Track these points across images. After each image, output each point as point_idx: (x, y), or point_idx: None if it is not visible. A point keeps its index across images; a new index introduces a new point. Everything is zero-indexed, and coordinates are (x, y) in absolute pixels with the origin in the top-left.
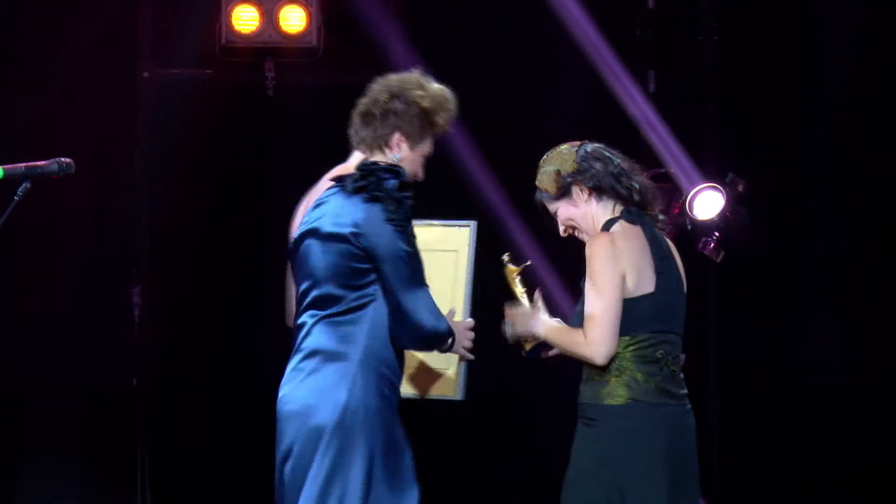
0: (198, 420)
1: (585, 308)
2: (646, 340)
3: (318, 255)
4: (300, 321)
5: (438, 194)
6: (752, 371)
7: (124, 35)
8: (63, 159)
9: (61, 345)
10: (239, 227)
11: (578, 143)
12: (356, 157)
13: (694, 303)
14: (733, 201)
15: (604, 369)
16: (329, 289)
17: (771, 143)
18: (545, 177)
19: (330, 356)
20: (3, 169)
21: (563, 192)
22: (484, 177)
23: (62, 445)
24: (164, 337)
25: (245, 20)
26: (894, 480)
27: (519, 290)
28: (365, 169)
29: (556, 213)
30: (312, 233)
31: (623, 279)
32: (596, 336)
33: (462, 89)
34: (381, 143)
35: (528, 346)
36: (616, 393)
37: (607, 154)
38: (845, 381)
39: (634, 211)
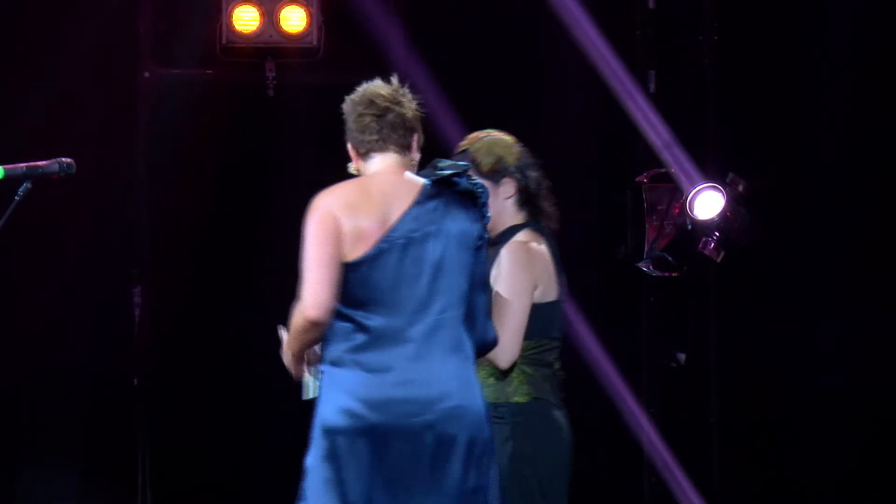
0: (198, 420)
1: (497, 311)
2: (545, 345)
3: (453, 256)
4: (428, 319)
5: None
6: (751, 371)
7: (125, 35)
8: (64, 159)
9: (61, 345)
10: (239, 227)
11: (513, 139)
12: (391, 159)
13: (694, 303)
14: (733, 201)
15: (502, 370)
16: (462, 288)
17: (771, 143)
18: (484, 153)
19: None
20: (4, 169)
21: (493, 177)
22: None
23: (62, 445)
24: (164, 337)
25: (245, 20)
26: (895, 481)
27: None
28: (461, 170)
29: None
30: (437, 233)
31: (534, 287)
32: (506, 342)
33: (462, 89)
34: (410, 146)
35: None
36: (521, 391)
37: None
38: (845, 381)
39: (537, 221)
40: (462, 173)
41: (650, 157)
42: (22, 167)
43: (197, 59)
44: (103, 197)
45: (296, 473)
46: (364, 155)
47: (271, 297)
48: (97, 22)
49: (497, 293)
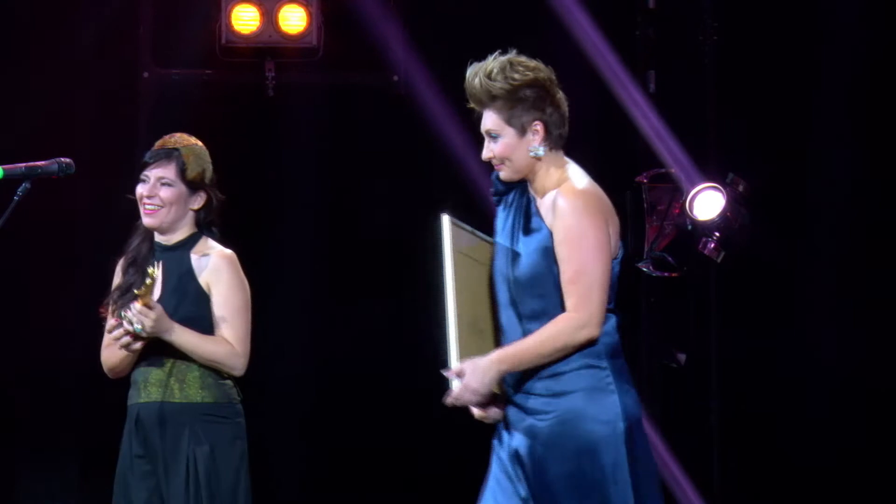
0: None
1: (229, 324)
2: None
3: None
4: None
5: (443, 195)
6: (752, 371)
7: (124, 35)
8: (63, 159)
9: (60, 342)
10: (238, 227)
11: None
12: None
13: (694, 303)
14: (734, 201)
15: (221, 373)
16: None
17: (772, 142)
18: (194, 160)
19: None
20: (3, 169)
21: (191, 186)
22: (485, 178)
23: (61, 444)
24: None
25: (245, 20)
26: None
27: (147, 295)
28: None
29: (162, 183)
30: None
31: None
32: (247, 349)
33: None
34: None
35: (129, 341)
36: (236, 392)
37: None
38: (847, 381)
39: None
40: None
41: (650, 157)
42: (21, 167)
43: (196, 60)
44: (103, 197)
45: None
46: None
47: (270, 296)
48: (96, 22)
49: None
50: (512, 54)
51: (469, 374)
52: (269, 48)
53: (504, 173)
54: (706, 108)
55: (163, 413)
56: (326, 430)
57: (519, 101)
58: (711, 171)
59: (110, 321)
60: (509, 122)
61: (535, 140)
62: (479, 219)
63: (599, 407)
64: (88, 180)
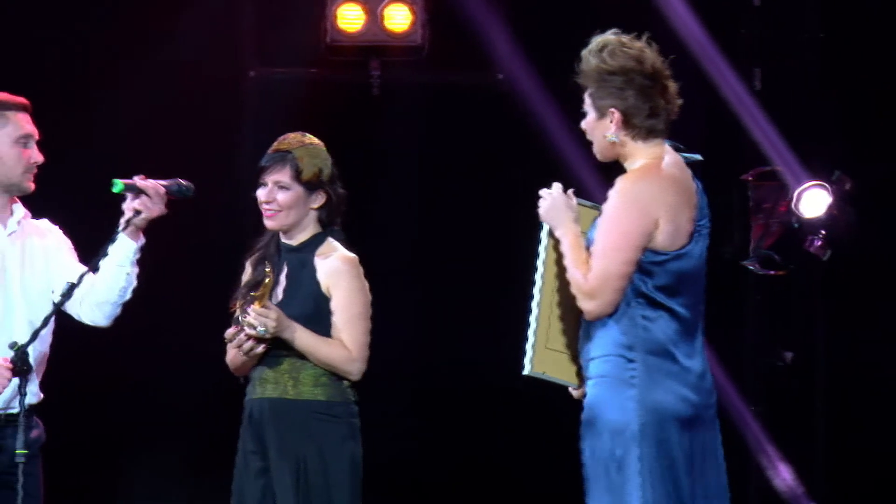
0: None
1: (349, 328)
2: None
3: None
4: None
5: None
6: (858, 370)
7: (230, 35)
8: (182, 182)
9: (168, 341)
10: (345, 228)
11: None
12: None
13: (800, 301)
14: (840, 199)
15: (339, 376)
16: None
17: (878, 140)
18: (308, 160)
19: None
20: (123, 183)
21: (308, 187)
22: (591, 179)
23: (167, 442)
24: None
25: (350, 19)
26: None
27: (265, 298)
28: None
29: (279, 187)
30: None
31: None
32: (364, 354)
33: (568, 89)
34: None
35: (252, 345)
36: (351, 392)
37: None
38: None
39: None
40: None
41: (756, 155)
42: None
43: (301, 59)
44: (208, 197)
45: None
46: (646, 137)
47: (378, 295)
48: (201, 21)
49: None
50: (625, 36)
51: None
52: (374, 47)
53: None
54: (812, 106)
55: (275, 409)
56: (434, 434)
57: (602, 84)
58: (817, 168)
59: (230, 330)
60: (592, 102)
61: (610, 126)
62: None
63: (615, 397)
64: (193, 180)
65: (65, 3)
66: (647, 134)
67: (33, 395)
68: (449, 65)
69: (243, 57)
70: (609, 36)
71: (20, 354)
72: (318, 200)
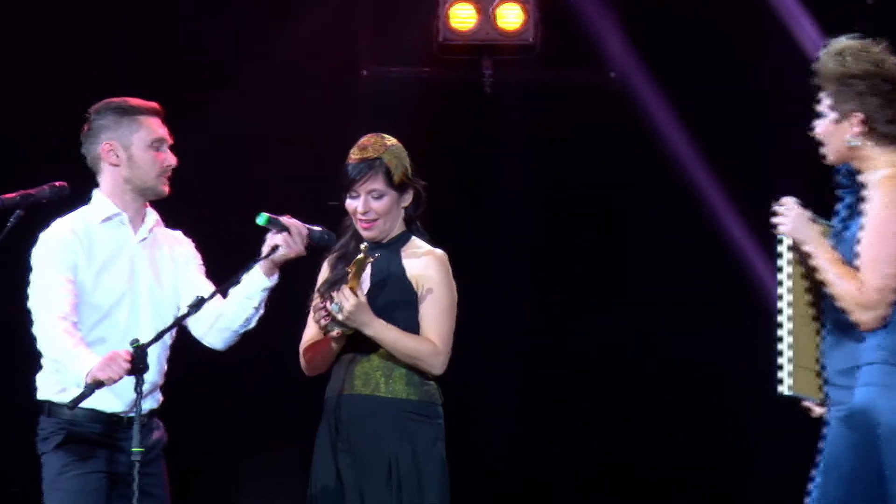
0: None
1: (435, 323)
2: None
3: None
4: None
5: (661, 196)
6: None
7: (343, 34)
8: (326, 231)
9: (280, 342)
10: (456, 228)
11: None
12: None
13: None
14: None
15: (424, 373)
16: None
17: None
18: (396, 163)
19: None
20: (268, 217)
21: (400, 188)
22: (707, 183)
23: (286, 441)
24: None
25: (462, 18)
26: None
27: (356, 281)
28: None
29: (374, 196)
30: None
31: None
32: (448, 348)
33: (683, 90)
34: None
35: (327, 324)
36: (438, 393)
37: None
38: None
39: None
40: None
41: None
42: (16, 196)
43: (414, 58)
44: (322, 194)
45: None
46: (887, 143)
47: (477, 295)
48: (315, 21)
49: None
50: (869, 41)
51: None
52: (487, 45)
53: (824, 154)
54: None
55: (366, 406)
56: (532, 433)
57: (844, 88)
58: None
59: (316, 301)
60: (831, 105)
61: (851, 130)
62: (693, 221)
63: (890, 402)
64: (306, 179)
65: (182, 4)
66: (888, 139)
67: (154, 399)
68: (561, 63)
69: (357, 56)
70: (849, 40)
71: (139, 352)
72: (408, 198)
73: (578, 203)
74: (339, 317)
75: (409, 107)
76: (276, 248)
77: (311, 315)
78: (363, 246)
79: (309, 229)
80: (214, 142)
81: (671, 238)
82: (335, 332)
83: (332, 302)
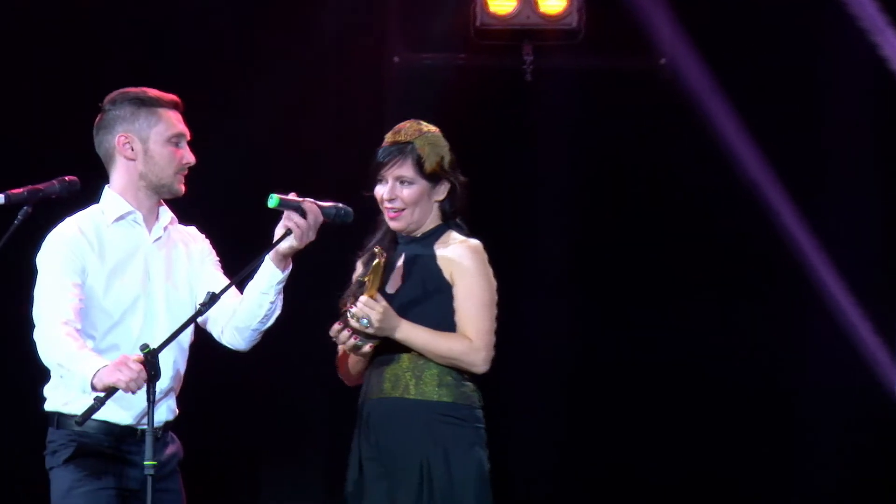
0: None
1: (472, 318)
2: None
3: None
4: None
5: (710, 186)
6: None
7: (374, 19)
8: (342, 205)
9: (305, 343)
10: (490, 216)
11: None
12: None
13: None
14: None
15: (462, 373)
16: None
17: None
18: (430, 150)
19: None
20: (279, 198)
21: (432, 179)
22: (763, 177)
23: (306, 443)
24: None
25: (502, 1)
26: None
27: (374, 290)
28: None
29: (401, 183)
30: None
31: None
32: (489, 344)
33: (733, 76)
34: None
35: (357, 342)
36: (477, 396)
37: None
38: None
39: None
40: None
41: None
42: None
43: (449, 43)
44: (351, 186)
45: None
46: None
47: (517, 288)
48: (347, 6)
49: (463, 298)
50: None
51: None
52: (527, 30)
53: None
54: None
55: (395, 410)
56: (578, 432)
57: None
58: None
59: (335, 325)
60: None
61: None
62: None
63: None
64: (335, 168)
65: None
66: None
67: (170, 410)
68: (606, 49)
69: (388, 43)
70: None
71: (150, 358)
72: (442, 192)
73: (623, 198)
74: (370, 330)
75: (444, 96)
76: (288, 232)
77: (332, 328)
78: (377, 250)
79: (323, 208)
80: (242, 132)
81: (724, 235)
82: (367, 346)
83: (354, 319)
